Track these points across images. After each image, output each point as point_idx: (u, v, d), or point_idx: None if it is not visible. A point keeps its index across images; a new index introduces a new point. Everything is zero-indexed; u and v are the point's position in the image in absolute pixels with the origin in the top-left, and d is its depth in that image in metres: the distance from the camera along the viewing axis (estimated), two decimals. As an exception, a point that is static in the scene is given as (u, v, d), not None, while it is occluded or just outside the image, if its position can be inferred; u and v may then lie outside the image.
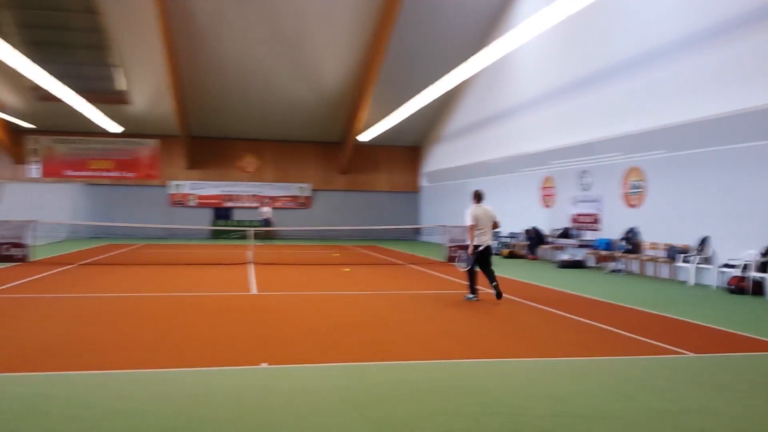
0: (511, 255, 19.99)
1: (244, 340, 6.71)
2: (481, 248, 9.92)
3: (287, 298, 10.19)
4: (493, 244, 10.22)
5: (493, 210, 10.16)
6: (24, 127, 27.54)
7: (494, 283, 9.87)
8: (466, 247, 10.26)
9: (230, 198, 31.17)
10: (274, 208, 29.81)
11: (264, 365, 5.62)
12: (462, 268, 10.16)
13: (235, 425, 4.06)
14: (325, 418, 4.23)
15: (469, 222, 9.89)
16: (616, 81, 15.79)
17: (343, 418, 4.24)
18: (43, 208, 25.05)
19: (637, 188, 15.24)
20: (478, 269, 10.14)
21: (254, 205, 31.18)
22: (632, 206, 15.46)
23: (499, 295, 9.84)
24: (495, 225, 10.13)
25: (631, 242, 15.06)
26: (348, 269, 15.07)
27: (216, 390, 4.81)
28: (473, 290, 10.06)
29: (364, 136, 27.72)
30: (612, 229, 16.13)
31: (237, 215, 31.31)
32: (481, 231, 9.90)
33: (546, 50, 19.30)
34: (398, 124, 25.32)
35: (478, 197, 10.15)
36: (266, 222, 27.56)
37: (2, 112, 23.85)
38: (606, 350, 6.55)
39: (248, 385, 4.98)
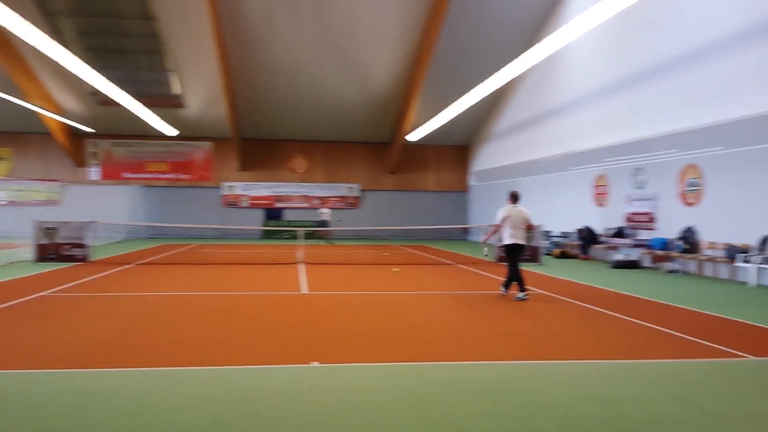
0: (563, 255, 19.65)
1: (295, 339, 6.81)
2: (510, 245, 10.18)
3: (337, 297, 10.28)
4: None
5: (527, 212, 10.37)
6: (84, 131, 28.56)
7: (514, 280, 10.22)
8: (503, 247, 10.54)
9: (281, 199, 31.61)
10: (331, 209, 29.99)
11: (315, 364, 5.70)
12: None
13: (288, 423, 4.13)
14: (375, 417, 4.26)
15: (497, 220, 10.29)
16: (672, 76, 15.37)
17: (393, 417, 4.26)
18: (102, 210, 26.01)
19: (695, 186, 14.80)
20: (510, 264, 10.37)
21: (303, 205, 31.59)
22: (689, 204, 15.02)
23: (506, 288, 10.37)
24: (529, 227, 10.34)
25: (689, 242, 14.63)
26: (397, 269, 15.10)
27: (268, 388, 4.91)
28: (522, 288, 10.11)
29: (413, 136, 27.71)
30: (668, 228, 15.71)
31: (288, 215, 31.74)
32: (514, 230, 10.14)
33: (598, 45, 18.93)
34: (447, 123, 25.23)
35: (513, 198, 10.46)
36: (323, 223, 27.74)
37: (64, 117, 24.77)
38: (661, 352, 6.39)
39: (299, 384, 5.06)
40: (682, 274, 14.63)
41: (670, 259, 15.04)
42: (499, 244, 10.28)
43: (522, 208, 10.37)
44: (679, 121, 14.98)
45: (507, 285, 10.40)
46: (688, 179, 15.07)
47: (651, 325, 7.81)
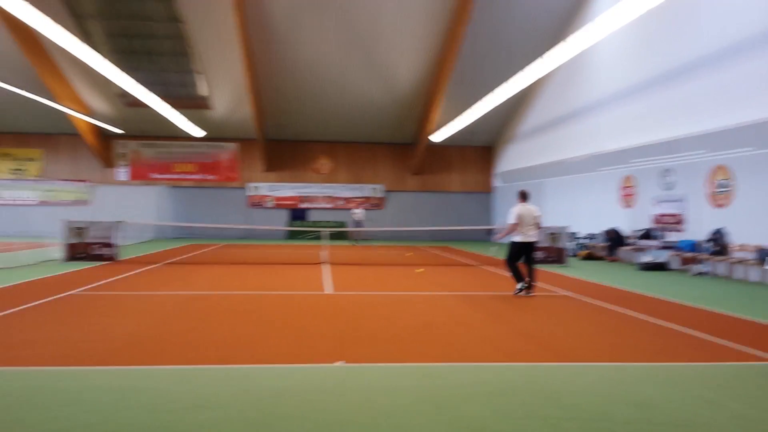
0: (589, 257, 19.45)
1: (320, 339, 6.83)
2: (522, 243, 10.49)
3: (362, 297, 10.29)
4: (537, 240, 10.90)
5: (537, 210, 10.69)
6: (112, 132, 29.03)
7: (529, 278, 10.52)
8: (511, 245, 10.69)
9: (305, 199, 31.78)
10: (361, 209, 29.61)
11: (340, 363, 5.71)
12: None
13: (313, 422, 4.14)
14: (401, 417, 4.25)
15: (512, 220, 10.50)
16: (700, 75, 15.13)
17: (419, 418, 4.25)
18: (130, 210, 26.38)
19: (724, 187, 14.54)
20: (520, 262, 10.66)
21: (328, 206, 31.72)
22: (719, 206, 14.77)
23: (530, 288, 10.48)
24: (538, 225, 10.64)
25: (718, 244, 14.38)
26: (421, 270, 15.08)
27: (294, 387, 4.92)
28: (519, 279, 10.54)
29: (437, 137, 27.66)
30: (697, 230, 15.46)
31: (312, 216, 31.89)
32: (525, 228, 10.46)
33: (626, 44, 18.72)
34: (471, 123, 25.13)
35: (523, 197, 10.75)
36: (357, 224, 27.63)
37: (93, 118, 25.19)
38: (691, 355, 6.29)
39: (325, 383, 5.06)
40: (711, 276, 14.38)
41: (698, 261, 14.80)
42: (512, 241, 10.60)
43: (532, 206, 10.65)
44: (708, 121, 14.74)
45: (522, 280, 10.56)
46: (718, 180, 14.82)
47: (679, 328, 7.69)
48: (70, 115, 24.97)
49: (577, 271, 15.55)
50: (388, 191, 32.27)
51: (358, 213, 28.27)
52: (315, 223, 31.16)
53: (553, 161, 23.87)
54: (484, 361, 5.93)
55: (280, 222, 31.52)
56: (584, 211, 21.83)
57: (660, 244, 16.46)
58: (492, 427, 4.09)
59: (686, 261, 15.35)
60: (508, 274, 10.89)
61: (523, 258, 10.59)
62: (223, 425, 4.05)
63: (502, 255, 12.31)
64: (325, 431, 3.98)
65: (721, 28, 14.47)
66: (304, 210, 31.95)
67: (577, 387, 5.05)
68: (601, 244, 19.64)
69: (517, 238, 10.49)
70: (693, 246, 15.26)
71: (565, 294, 10.94)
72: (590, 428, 4.07)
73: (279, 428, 4.02)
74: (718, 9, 14.61)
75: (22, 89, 18.02)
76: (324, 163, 31.86)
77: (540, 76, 17.12)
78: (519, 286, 10.51)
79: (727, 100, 14.13)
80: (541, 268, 15.94)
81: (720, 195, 14.72)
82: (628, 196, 19.13)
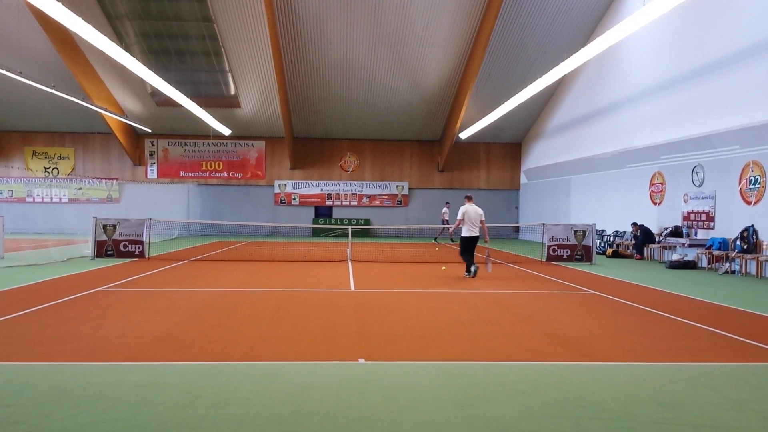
0: (616, 254, 19.17)
1: (342, 336, 6.87)
2: (468, 237, 12.75)
3: (385, 295, 10.32)
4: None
5: (480, 210, 12.90)
6: (143, 131, 29.46)
7: (475, 266, 12.71)
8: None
9: (331, 197, 31.90)
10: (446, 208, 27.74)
11: (361, 361, 5.74)
12: (488, 269, 13.29)
13: (335, 418, 4.17)
14: (421, 415, 4.27)
15: (459, 216, 12.81)
16: (731, 70, 14.85)
17: (439, 415, 4.26)
18: (158, 207, 26.75)
19: (756, 184, 14.26)
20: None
21: (353, 203, 31.78)
22: (750, 203, 14.48)
23: (474, 274, 12.65)
24: (482, 222, 12.85)
25: (748, 241, 14.10)
26: (444, 267, 15.04)
27: (316, 383, 4.97)
28: (470, 266, 12.71)
29: (463, 134, 27.52)
30: (727, 228, 15.19)
31: (337, 213, 32.01)
32: (470, 225, 12.71)
33: (656, 39, 18.44)
34: (498, 120, 24.95)
35: (469, 198, 13.13)
36: (444, 222, 26.59)
37: (125, 118, 25.60)
38: (717, 355, 6.20)
39: (347, 380, 5.10)
40: (740, 275, 14.12)
41: (728, 259, 14.54)
42: (461, 236, 12.93)
43: (476, 206, 12.91)
44: (740, 117, 14.46)
45: (469, 269, 12.73)
46: (749, 177, 14.53)
47: (707, 327, 7.57)
48: (102, 114, 25.40)
49: (603, 269, 15.38)
50: (412, 188, 32.24)
51: (445, 212, 26.84)
52: (340, 221, 31.27)
53: (581, 158, 23.61)
54: (509, 360, 5.91)
55: (305, 219, 31.70)
56: (612, 209, 21.57)
57: (688, 242, 16.20)
58: (512, 425, 4.08)
59: (715, 259, 15.09)
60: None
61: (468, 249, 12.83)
62: (247, 421, 4.11)
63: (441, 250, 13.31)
64: (348, 428, 4.01)
65: (751, 23, 14.17)
66: (329, 207, 32.09)
67: (602, 386, 5.01)
68: (629, 242, 19.38)
69: (465, 234, 12.76)
70: (722, 244, 14.99)
71: (592, 293, 10.84)
72: (614, 428, 4.04)
73: (302, 425, 4.07)
74: (750, 4, 14.31)
75: (57, 90, 18.36)
76: (350, 161, 31.96)
77: (569, 71, 16.92)
78: (473, 269, 12.65)
79: (762, 95, 13.83)
80: (568, 266, 15.82)
81: (751, 191, 14.44)
82: (656, 193, 18.86)
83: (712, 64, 15.70)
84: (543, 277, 13.29)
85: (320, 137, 31.40)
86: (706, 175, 16.27)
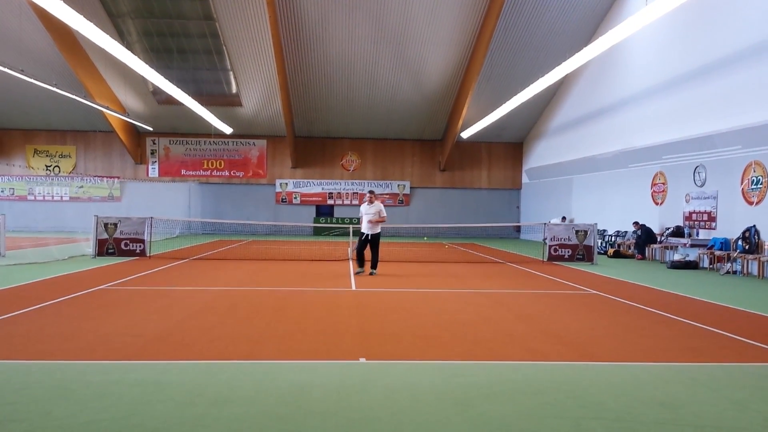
0: (617, 254, 19.15)
1: (343, 335, 6.86)
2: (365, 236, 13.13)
3: (385, 294, 10.31)
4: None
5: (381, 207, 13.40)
6: (145, 129, 29.46)
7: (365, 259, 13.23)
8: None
9: (332, 196, 31.90)
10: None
11: (362, 360, 5.74)
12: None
13: (335, 417, 4.17)
14: (422, 414, 4.27)
15: (383, 214, 13.26)
16: (734, 70, 14.83)
17: (439, 415, 4.26)
18: (160, 206, 26.73)
19: (758, 184, 14.24)
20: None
21: (354, 202, 31.78)
22: (752, 203, 14.47)
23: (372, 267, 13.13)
24: (381, 220, 13.28)
25: (750, 242, 14.09)
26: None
27: (317, 382, 4.96)
28: (361, 265, 13.18)
29: (465, 133, 27.52)
30: (729, 228, 15.17)
31: (338, 213, 32.01)
32: (371, 223, 13.06)
33: (658, 39, 18.42)
34: (500, 119, 24.94)
35: (371, 194, 13.66)
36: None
37: (127, 116, 25.60)
38: (718, 355, 6.19)
39: (348, 379, 5.10)
40: (741, 275, 14.10)
41: (729, 259, 14.52)
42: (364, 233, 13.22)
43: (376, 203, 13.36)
44: (742, 117, 14.44)
45: (362, 263, 13.21)
46: (751, 177, 14.51)
47: (708, 328, 7.56)
48: (104, 112, 25.40)
49: (605, 269, 15.37)
50: (414, 188, 32.23)
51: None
52: (341, 220, 31.28)
53: (582, 157, 23.60)
54: (510, 360, 5.90)
55: (307, 218, 31.72)
56: (613, 209, 21.56)
57: (689, 242, 16.19)
58: (513, 425, 4.08)
59: (716, 260, 15.08)
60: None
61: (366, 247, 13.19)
62: (248, 419, 4.11)
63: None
64: (348, 427, 4.01)
65: (753, 23, 14.14)
66: (330, 206, 32.09)
67: (603, 386, 5.00)
68: (630, 242, 19.36)
69: (366, 230, 13.09)
70: (723, 244, 14.98)
71: (594, 293, 10.83)
72: (614, 428, 4.04)
73: (303, 424, 4.06)
74: (751, 4, 14.29)
75: (59, 88, 18.37)
76: (351, 160, 31.95)
77: (571, 71, 16.89)
78: (360, 269, 13.10)
79: (764, 95, 13.81)
80: (570, 266, 15.80)
81: (753, 192, 14.42)
82: (658, 193, 18.84)
83: (714, 63, 15.67)
84: (544, 277, 13.28)
85: (322, 136, 31.40)
86: (708, 175, 16.26)
